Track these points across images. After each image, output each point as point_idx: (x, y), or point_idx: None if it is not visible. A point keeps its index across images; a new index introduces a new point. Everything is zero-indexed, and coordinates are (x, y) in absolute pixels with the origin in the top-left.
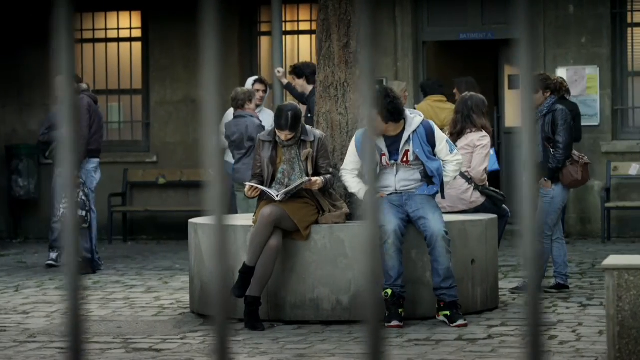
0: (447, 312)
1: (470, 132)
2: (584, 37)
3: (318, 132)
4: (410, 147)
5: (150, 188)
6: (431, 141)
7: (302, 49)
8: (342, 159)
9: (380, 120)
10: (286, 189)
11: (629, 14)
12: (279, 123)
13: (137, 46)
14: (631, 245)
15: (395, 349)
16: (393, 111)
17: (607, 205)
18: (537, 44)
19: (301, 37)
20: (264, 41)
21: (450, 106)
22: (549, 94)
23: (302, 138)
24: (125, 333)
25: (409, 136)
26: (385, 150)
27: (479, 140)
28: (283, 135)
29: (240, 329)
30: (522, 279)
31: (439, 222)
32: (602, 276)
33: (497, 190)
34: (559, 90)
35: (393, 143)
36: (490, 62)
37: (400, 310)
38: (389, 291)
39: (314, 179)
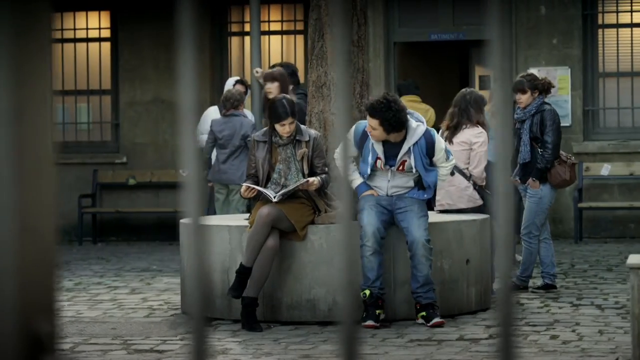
0: (424, 313)
1: (466, 127)
2: (555, 38)
3: (313, 132)
4: (409, 159)
5: (120, 189)
6: (430, 153)
7: (273, 49)
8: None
9: (382, 130)
10: (283, 190)
11: (600, 15)
12: (277, 114)
13: (106, 46)
14: (604, 245)
15: (399, 350)
16: (395, 124)
17: (580, 205)
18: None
19: (272, 37)
20: (235, 41)
21: (425, 106)
22: (537, 94)
23: (297, 138)
24: (121, 334)
25: (410, 148)
26: (381, 155)
27: (475, 137)
28: (286, 127)
29: (237, 330)
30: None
31: (421, 229)
32: (586, 276)
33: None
34: (547, 90)
35: (391, 149)
36: (460, 62)
37: (378, 311)
38: (367, 292)
39: (311, 179)
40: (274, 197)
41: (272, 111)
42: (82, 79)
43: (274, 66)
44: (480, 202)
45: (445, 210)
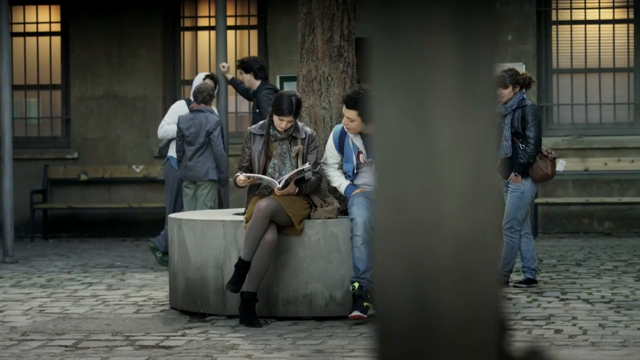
0: None
1: None
2: (510, 35)
3: (309, 130)
4: None
5: (71, 185)
6: None
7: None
8: None
9: (360, 121)
10: (287, 175)
11: (554, 11)
12: (280, 109)
13: (57, 41)
14: (562, 240)
15: None
16: None
17: (537, 201)
18: None
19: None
20: (187, 36)
21: None
22: (518, 89)
23: (294, 135)
24: (119, 330)
25: None
26: (362, 149)
27: None
28: (284, 123)
29: (236, 325)
30: None
31: None
32: (558, 271)
33: None
34: (528, 85)
35: (370, 141)
36: None
37: (365, 303)
38: (356, 284)
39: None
40: (279, 182)
41: (277, 103)
42: (32, 73)
43: (242, 60)
44: None
45: None
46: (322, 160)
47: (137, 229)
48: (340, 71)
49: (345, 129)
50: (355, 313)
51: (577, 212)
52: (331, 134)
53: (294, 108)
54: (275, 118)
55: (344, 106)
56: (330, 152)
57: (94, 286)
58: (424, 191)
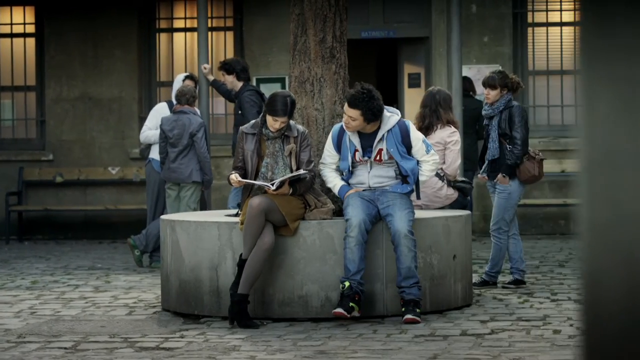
0: (403, 309)
1: (438, 128)
2: (486, 36)
3: (301, 128)
4: (384, 146)
5: (47, 187)
6: (406, 142)
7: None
8: (319, 155)
9: (362, 120)
10: (282, 178)
11: (530, 13)
12: (274, 109)
13: (31, 42)
14: (539, 242)
15: (411, 345)
16: (377, 112)
17: None
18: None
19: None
20: (163, 38)
21: None
22: (505, 92)
23: (286, 133)
24: (115, 332)
25: (383, 135)
26: (358, 147)
27: (449, 136)
28: (277, 123)
29: (232, 327)
30: (479, 275)
31: (404, 221)
32: (543, 272)
33: (464, 179)
34: (516, 88)
35: (367, 140)
36: (379, 59)
37: (351, 304)
38: (347, 283)
39: (303, 173)
40: (272, 184)
41: (271, 103)
42: (6, 74)
43: (224, 61)
44: (455, 195)
45: (423, 209)
46: (320, 160)
47: (113, 231)
48: (332, 72)
49: (344, 127)
50: (339, 310)
51: (553, 213)
52: (330, 133)
53: (288, 109)
54: (269, 118)
55: (347, 105)
56: (329, 152)
57: (81, 288)
58: (638, 185)
